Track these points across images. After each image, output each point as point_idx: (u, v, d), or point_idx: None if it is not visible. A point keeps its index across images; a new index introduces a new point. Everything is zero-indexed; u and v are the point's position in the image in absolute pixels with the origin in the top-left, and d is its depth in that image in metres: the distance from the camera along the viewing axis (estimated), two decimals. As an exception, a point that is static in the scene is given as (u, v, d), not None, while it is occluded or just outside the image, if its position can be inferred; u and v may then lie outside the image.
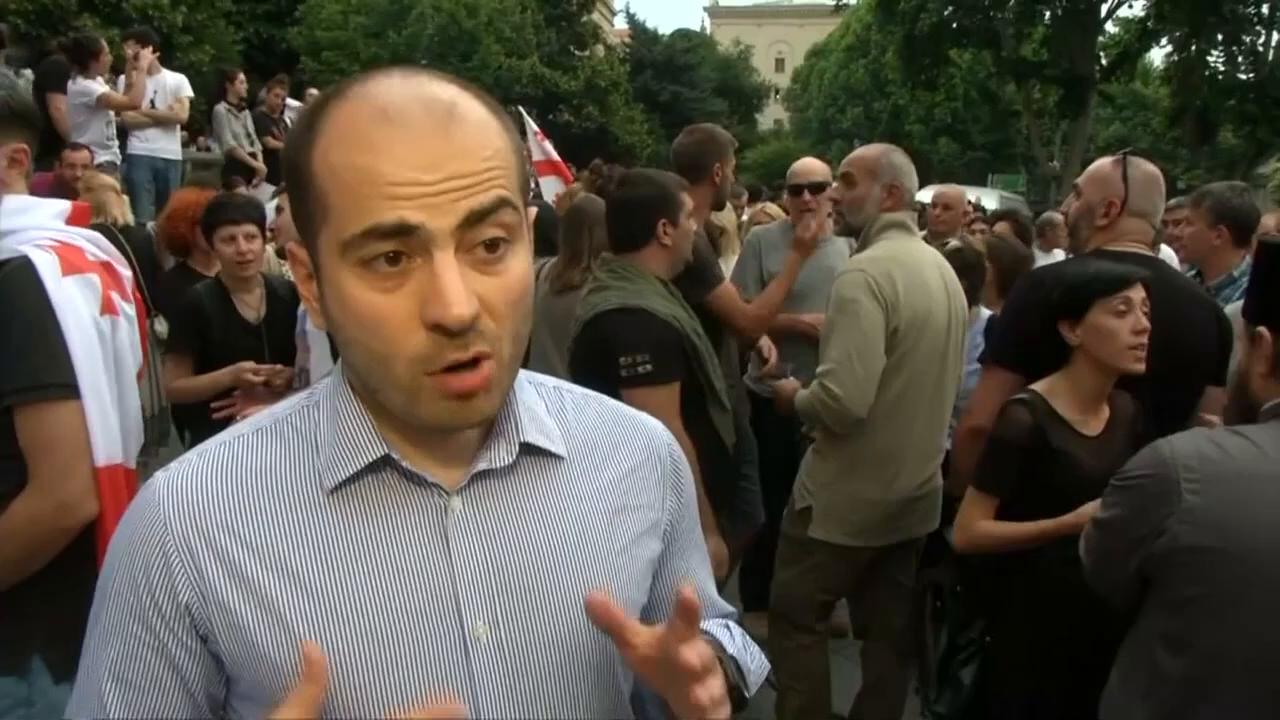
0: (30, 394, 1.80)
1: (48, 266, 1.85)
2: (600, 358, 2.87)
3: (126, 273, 2.12)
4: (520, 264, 0.94)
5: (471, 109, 0.92)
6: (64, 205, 2.03)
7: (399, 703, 0.95)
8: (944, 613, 2.85)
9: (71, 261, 1.90)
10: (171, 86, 8.48)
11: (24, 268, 1.83)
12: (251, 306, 3.70)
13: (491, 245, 0.90)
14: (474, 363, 0.91)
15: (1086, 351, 2.51)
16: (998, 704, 2.65)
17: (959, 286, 3.33)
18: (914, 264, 3.18)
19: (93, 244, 2.02)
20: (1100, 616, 2.37)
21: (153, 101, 8.26)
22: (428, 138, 0.88)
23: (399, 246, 0.88)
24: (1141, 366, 2.47)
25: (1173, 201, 5.54)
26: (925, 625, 2.96)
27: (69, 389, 1.82)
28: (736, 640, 1.21)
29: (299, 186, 0.94)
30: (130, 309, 2.07)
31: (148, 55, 8.00)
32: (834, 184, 3.85)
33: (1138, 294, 2.46)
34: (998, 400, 2.67)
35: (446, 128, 0.89)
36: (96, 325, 1.90)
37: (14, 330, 1.80)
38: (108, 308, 1.95)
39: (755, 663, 1.22)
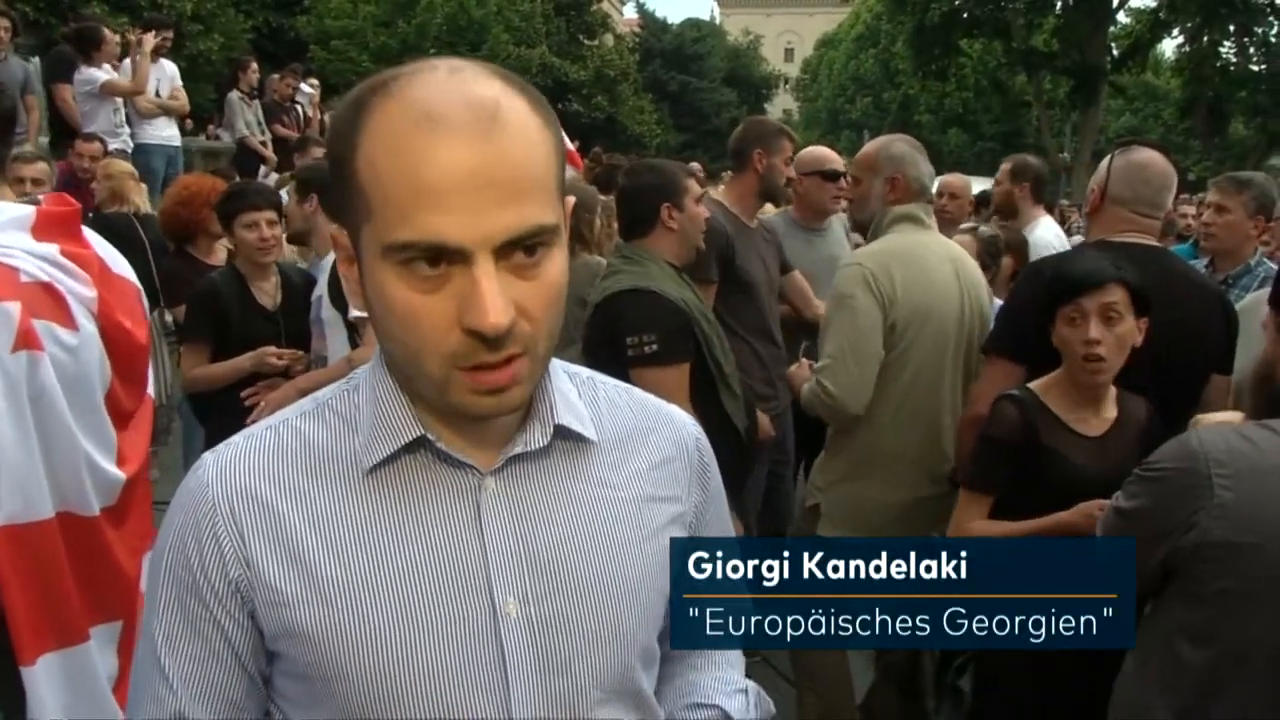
0: None
1: None
2: (610, 339, 2.91)
3: (89, 292, 1.90)
4: (557, 265, 0.96)
5: (514, 109, 0.93)
6: (26, 212, 1.85)
7: (432, 674, 0.99)
8: None
9: None
10: (170, 74, 8.53)
11: None
12: (268, 294, 3.72)
13: (530, 250, 0.93)
14: (505, 362, 0.93)
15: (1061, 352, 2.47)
16: (995, 708, 2.61)
17: (977, 279, 3.24)
18: (918, 257, 3.12)
19: (41, 261, 1.82)
20: None
21: (157, 90, 8.30)
22: (471, 143, 0.89)
23: (439, 256, 0.90)
24: (1097, 380, 2.42)
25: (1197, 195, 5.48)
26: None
27: None
28: (750, 707, 1.23)
29: (342, 179, 0.96)
30: (72, 337, 1.84)
31: (150, 40, 7.99)
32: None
33: (1094, 300, 2.34)
34: (1000, 391, 2.67)
35: (489, 131, 0.90)
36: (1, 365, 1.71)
37: None
38: (24, 342, 1.74)
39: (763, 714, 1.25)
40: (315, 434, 1.05)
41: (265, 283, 3.72)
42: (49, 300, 1.80)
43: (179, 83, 8.67)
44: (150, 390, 2.17)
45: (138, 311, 2.10)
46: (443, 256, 0.90)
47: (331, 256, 3.35)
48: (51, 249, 1.84)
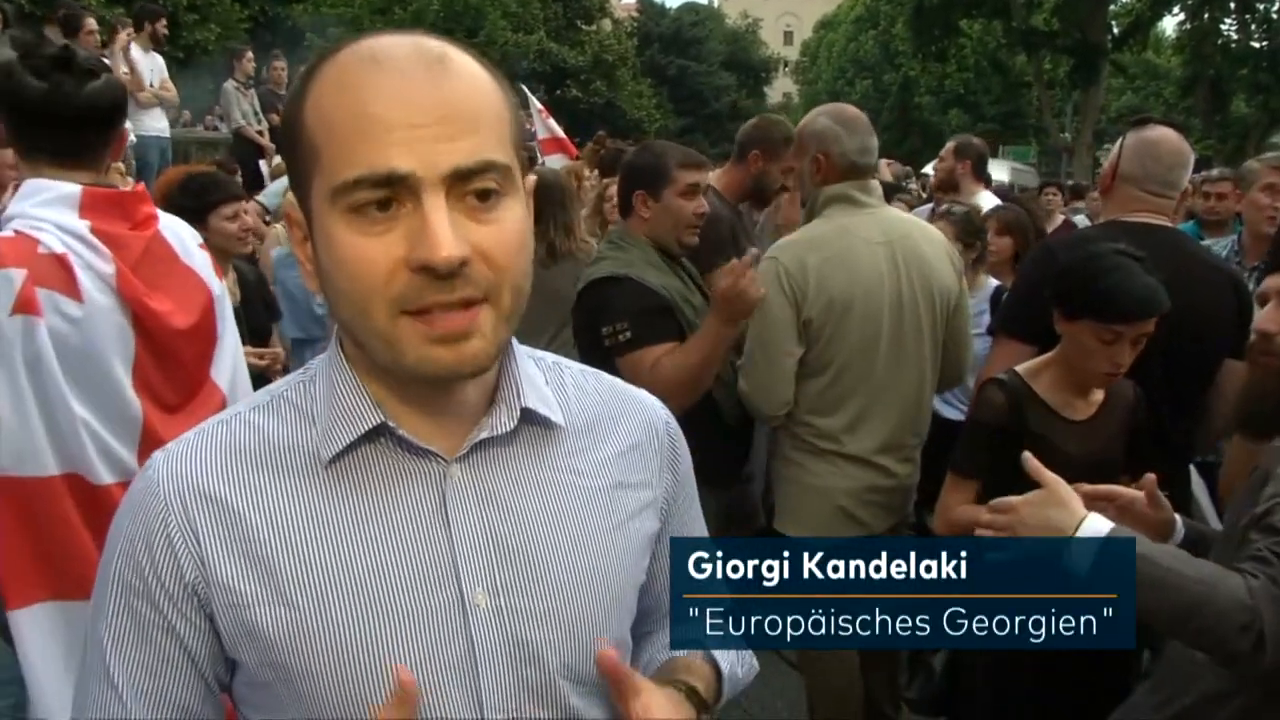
0: None
1: None
2: (590, 329, 2.90)
3: (107, 268, 2.02)
4: (514, 215, 0.93)
5: (462, 60, 0.93)
6: (74, 190, 1.99)
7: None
8: None
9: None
10: (158, 66, 8.52)
11: None
12: (229, 290, 3.64)
13: (483, 195, 0.90)
14: (461, 306, 0.90)
15: (1067, 346, 2.42)
16: (966, 693, 2.60)
17: (925, 259, 3.02)
18: (841, 245, 2.91)
19: (66, 235, 1.96)
20: None
21: (150, 82, 8.28)
22: (417, 79, 0.89)
23: (389, 194, 0.88)
24: (1106, 386, 2.39)
25: (1215, 173, 5.39)
26: None
27: None
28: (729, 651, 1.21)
29: (293, 142, 0.94)
30: (77, 309, 1.96)
31: (123, 38, 7.88)
32: None
33: (1134, 329, 2.29)
34: None
35: (436, 72, 0.90)
36: None
37: None
38: (24, 307, 1.86)
39: (744, 669, 1.22)
40: (270, 427, 1.02)
41: (226, 279, 3.64)
42: (58, 271, 1.92)
43: (166, 75, 8.63)
44: (221, 384, 2.26)
45: (194, 302, 2.20)
46: (392, 196, 0.88)
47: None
48: (83, 225, 1.98)
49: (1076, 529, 1.62)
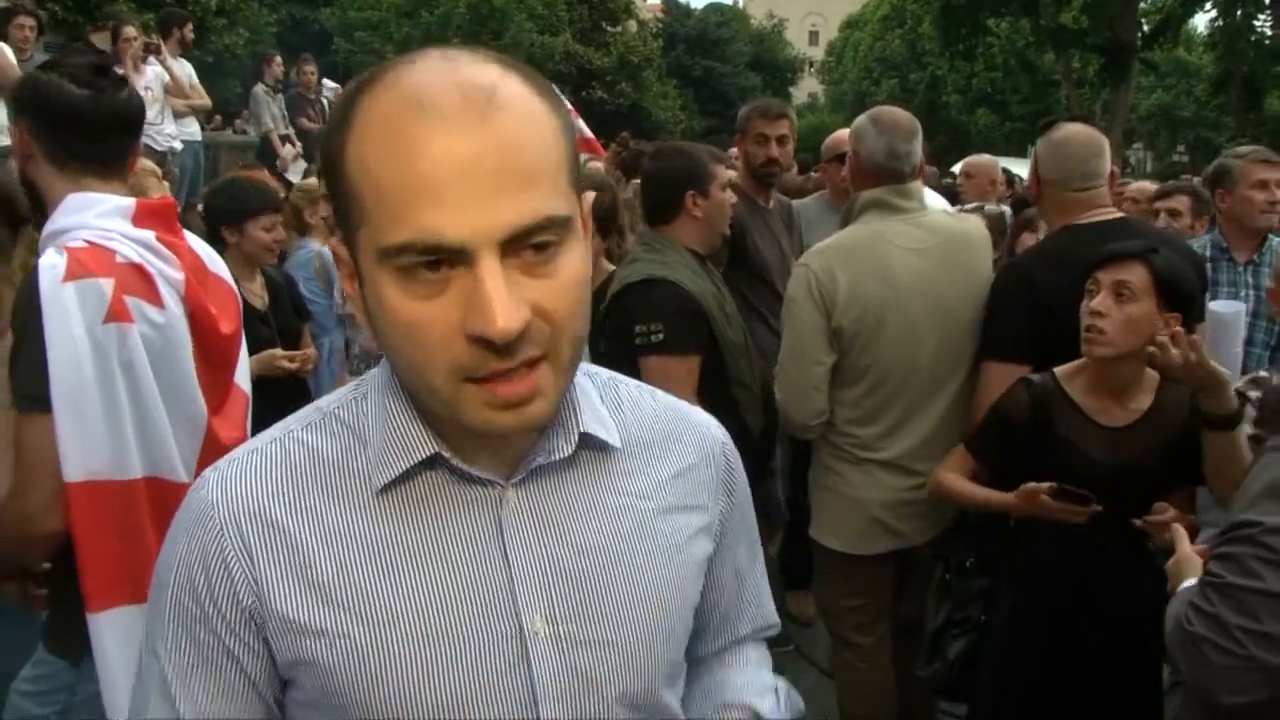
0: (14, 403, 1.83)
1: (50, 272, 1.82)
2: (622, 329, 2.89)
3: (178, 275, 2.05)
4: (573, 261, 0.87)
5: (514, 93, 0.85)
6: (128, 203, 2.00)
7: (458, 701, 0.94)
8: (950, 586, 2.78)
9: (84, 264, 1.86)
10: (188, 73, 8.61)
11: (33, 273, 1.84)
12: (257, 295, 3.64)
13: (541, 246, 0.84)
14: (522, 368, 0.86)
15: None
16: (978, 683, 2.62)
17: (967, 268, 2.95)
18: (874, 252, 2.86)
19: (136, 244, 1.97)
20: (1082, 614, 2.38)
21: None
22: (467, 129, 0.81)
23: (439, 256, 0.82)
24: (1094, 351, 2.35)
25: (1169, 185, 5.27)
26: (929, 595, 2.85)
27: (38, 401, 1.80)
28: (781, 706, 1.19)
29: (335, 184, 0.88)
30: (160, 315, 1.99)
31: (138, 48, 7.83)
32: None
33: (1110, 275, 2.32)
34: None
35: (487, 116, 0.82)
36: (91, 335, 1.83)
37: (13, 339, 1.85)
38: (116, 315, 1.88)
39: (794, 713, 1.21)
40: (322, 446, 0.98)
41: (253, 284, 3.63)
42: (140, 280, 1.96)
43: (196, 80, 8.72)
44: (244, 386, 2.33)
45: (230, 309, 2.26)
46: (443, 259, 0.82)
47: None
48: (148, 235, 2.02)
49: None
